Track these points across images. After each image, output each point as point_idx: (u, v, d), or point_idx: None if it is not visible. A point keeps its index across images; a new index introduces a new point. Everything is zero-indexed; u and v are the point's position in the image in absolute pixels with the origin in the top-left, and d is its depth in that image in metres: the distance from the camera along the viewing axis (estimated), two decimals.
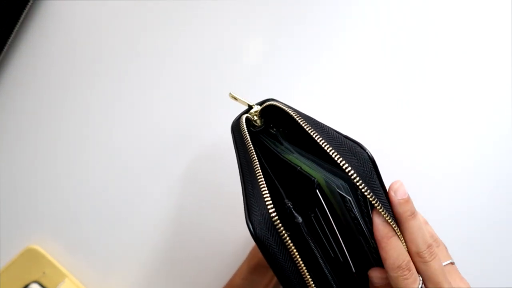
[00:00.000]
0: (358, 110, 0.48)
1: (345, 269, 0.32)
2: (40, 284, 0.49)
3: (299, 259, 0.29)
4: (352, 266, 0.32)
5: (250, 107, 0.36)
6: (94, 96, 0.50)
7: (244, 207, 0.30)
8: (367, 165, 0.30)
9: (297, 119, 0.32)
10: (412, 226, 0.30)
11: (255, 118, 0.36)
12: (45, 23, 0.49)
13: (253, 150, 0.32)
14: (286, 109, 0.33)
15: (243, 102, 0.37)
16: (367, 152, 0.30)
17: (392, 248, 0.29)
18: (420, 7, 0.47)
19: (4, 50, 0.48)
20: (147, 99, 0.50)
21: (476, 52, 0.47)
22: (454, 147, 0.48)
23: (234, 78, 0.49)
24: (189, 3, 0.49)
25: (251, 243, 0.49)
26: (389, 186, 0.31)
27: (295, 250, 0.29)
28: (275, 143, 0.34)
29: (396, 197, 0.30)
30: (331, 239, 0.31)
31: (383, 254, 0.30)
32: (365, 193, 0.29)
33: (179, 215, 0.51)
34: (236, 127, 0.35)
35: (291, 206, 0.30)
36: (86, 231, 0.51)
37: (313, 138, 0.30)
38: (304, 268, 0.29)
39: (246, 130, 0.34)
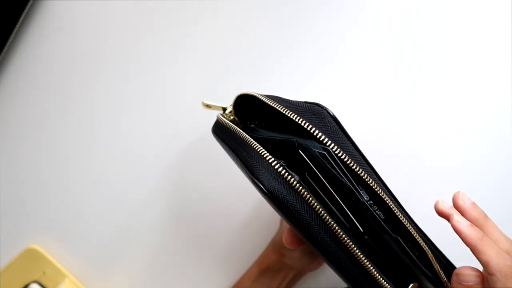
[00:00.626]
0: (357, 110, 0.48)
1: (354, 231, 0.32)
2: (40, 284, 0.49)
3: (314, 203, 0.29)
4: (359, 226, 0.31)
5: (224, 109, 0.37)
6: (94, 96, 0.50)
7: (245, 171, 0.30)
8: (329, 122, 0.31)
9: (259, 96, 0.33)
10: (491, 225, 0.31)
11: (231, 118, 0.37)
12: (45, 23, 0.49)
13: (237, 128, 0.33)
14: (251, 93, 0.34)
15: (217, 108, 0.38)
16: (326, 110, 0.32)
17: (489, 248, 0.29)
18: (419, 8, 0.47)
19: (4, 50, 0.48)
20: (147, 99, 0.50)
21: (478, 51, 0.47)
22: (455, 146, 0.48)
23: (234, 77, 0.49)
24: (189, 3, 0.49)
25: (260, 245, 0.49)
26: (452, 196, 0.32)
27: (307, 195, 0.29)
28: (254, 132, 0.35)
29: (466, 203, 0.31)
30: (327, 200, 0.31)
31: (482, 257, 0.29)
32: (330, 147, 0.30)
33: (180, 216, 0.51)
34: (215, 126, 0.36)
35: (284, 164, 0.30)
36: (86, 231, 0.51)
37: (275, 108, 0.32)
38: (321, 210, 0.29)
39: (225, 119, 0.35)
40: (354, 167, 0.30)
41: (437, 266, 0.33)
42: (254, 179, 0.29)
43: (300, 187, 0.29)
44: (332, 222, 0.30)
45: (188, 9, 0.49)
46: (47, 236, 0.51)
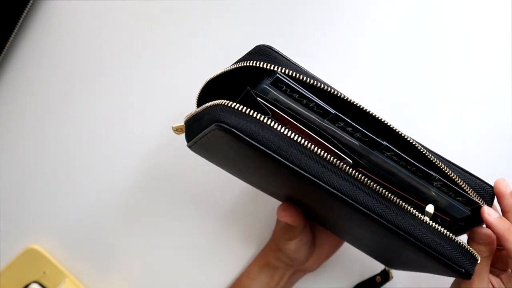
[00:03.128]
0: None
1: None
2: (40, 284, 0.49)
3: (292, 133, 0.29)
4: (346, 158, 0.31)
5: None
6: (95, 96, 0.50)
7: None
8: (270, 53, 0.32)
9: (210, 78, 0.34)
10: None
11: None
12: (45, 23, 0.49)
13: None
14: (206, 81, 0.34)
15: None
16: (263, 45, 0.33)
17: None
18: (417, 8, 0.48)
19: (4, 50, 0.48)
20: (147, 99, 0.50)
21: (478, 53, 0.48)
22: (456, 146, 0.48)
23: None
24: (191, 3, 0.49)
25: (261, 244, 0.49)
26: (495, 182, 0.34)
27: (282, 127, 0.29)
28: None
29: (507, 189, 0.33)
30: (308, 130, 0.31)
31: (508, 245, 0.32)
32: (278, 71, 0.30)
33: (181, 216, 0.51)
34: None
35: (253, 92, 0.30)
36: (87, 231, 0.51)
37: (228, 71, 0.32)
38: (300, 137, 0.29)
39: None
40: (307, 80, 0.30)
41: (440, 164, 0.32)
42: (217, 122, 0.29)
43: (270, 121, 0.29)
44: (314, 148, 0.29)
45: (194, 8, 0.49)
46: (47, 236, 0.51)
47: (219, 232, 0.50)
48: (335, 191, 0.29)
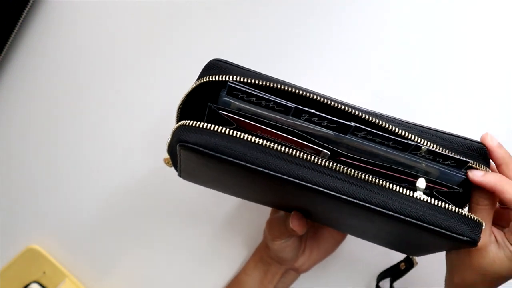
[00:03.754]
0: None
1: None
2: (40, 284, 0.50)
3: (255, 139, 0.29)
4: (324, 150, 0.31)
5: None
6: (95, 96, 0.50)
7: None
8: (222, 65, 0.32)
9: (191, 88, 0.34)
10: None
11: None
12: (45, 23, 0.49)
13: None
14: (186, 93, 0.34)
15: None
16: (215, 59, 0.33)
17: (510, 186, 0.31)
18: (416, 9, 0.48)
19: (4, 50, 0.48)
20: (147, 99, 0.50)
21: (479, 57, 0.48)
22: None
23: None
24: (193, 3, 0.49)
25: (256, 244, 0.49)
26: (481, 137, 0.33)
27: (241, 134, 0.29)
28: None
29: (493, 143, 0.32)
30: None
31: (506, 197, 0.31)
32: (230, 80, 0.31)
33: (180, 216, 0.51)
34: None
35: (215, 107, 0.31)
36: (87, 231, 0.51)
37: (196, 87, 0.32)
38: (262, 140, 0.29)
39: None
40: (258, 82, 0.30)
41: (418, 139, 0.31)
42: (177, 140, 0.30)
43: (233, 131, 0.29)
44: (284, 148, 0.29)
45: (192, 8, 0.49)
46: (48, 236, 0.51)
47: (217, 234, 0.50)
48: (309, 185, 0.29)
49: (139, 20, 0.49)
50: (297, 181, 0.29)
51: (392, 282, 0.44)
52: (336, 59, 0.48)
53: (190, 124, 0.30)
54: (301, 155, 0.30)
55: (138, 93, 0.50)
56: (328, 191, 0.29)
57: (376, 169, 0.31)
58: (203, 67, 0.33)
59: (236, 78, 0.31)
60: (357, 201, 0.29)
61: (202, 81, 0.32)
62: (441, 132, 0.32)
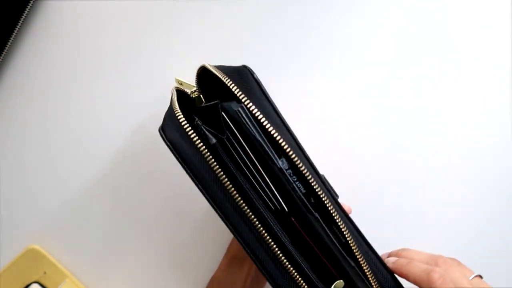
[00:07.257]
0: (357, 115, 0.48)
1: (278, 212, 0.32)
2: (41, 285, 0.49)
3: (219, 170, 0.30)
4: (283, 204, 0.32)
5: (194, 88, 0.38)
6: (95, 96, 0.50)
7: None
8: (250, 81, 0.32)
9: (208, 67, 0.34)
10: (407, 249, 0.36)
11: (196, 96, 0.37)
12: (46, 23, 0.49)
13: (174, 100, 0.33)
14: (204, 65, 0.35)
15: (188, 86, 0.38)
16: (249, 70, 0.33)
17: (412, 267, 0.33)
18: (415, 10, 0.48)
19: (5, 50, 0.48)
20: (148, 99, 0.50)
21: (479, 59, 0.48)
22: (457, 149, 0.48)
23: None
24: (191, 2, 0.49)
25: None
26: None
27: (212, 160, 0.30)
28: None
29: (390, 261, 0.35)
30: (249, 163, 0.31)
31: (410, 279, 0.33)
32: (245, 103, 0.30)
33: (179, 215, 0.51)
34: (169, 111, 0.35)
35: (200, 124, 0.31)
36: (87, 231, 0.51)
37: (217, 76, 0.33)
38: (226, 179, 0.30)
39: (173, 96, 0.34)
40: (267, 126, 0.30)
41: (359, 255, 0.32)
42: (159, 130, 0.31)
43: (206, 151, 0.30)
44: (239, 198, 0.30)
45: (193, 8, 0.49)
46: (48, 236, 0.51)
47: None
48: (248, 251, 0.32)
49: (139, 20, 0.49)
50: (241, 241, 0.32)
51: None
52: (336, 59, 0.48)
53: (180, 120, 0.30)
54: (256, 222, 0.31)
55: (138, 93, 0.50)
56: (259, 267, 0.32)
57: (311, 243, 0.32)
58: (233, 65, 0.33)
59: (250, 106, 0.31)
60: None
61: (225, 79, 0.32)
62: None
